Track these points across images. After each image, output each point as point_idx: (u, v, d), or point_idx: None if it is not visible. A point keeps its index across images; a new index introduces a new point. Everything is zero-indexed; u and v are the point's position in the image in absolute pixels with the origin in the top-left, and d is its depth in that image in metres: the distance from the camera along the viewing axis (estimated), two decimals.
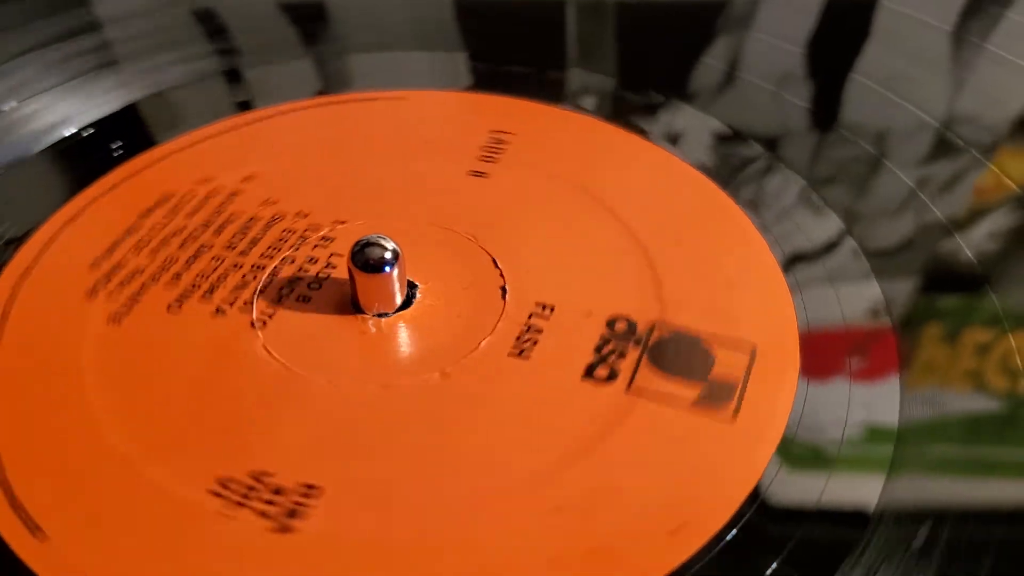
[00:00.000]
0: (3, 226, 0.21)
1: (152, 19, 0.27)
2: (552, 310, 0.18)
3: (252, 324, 0.18)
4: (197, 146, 0.23)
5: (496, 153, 0.22)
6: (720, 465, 0.15)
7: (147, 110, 0.24)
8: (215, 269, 0.19)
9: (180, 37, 0.27)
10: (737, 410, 0.16)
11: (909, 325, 0.18)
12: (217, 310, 0.18)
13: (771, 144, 0.23)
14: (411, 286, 0.19)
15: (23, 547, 0.14)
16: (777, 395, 0.16)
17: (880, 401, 0.16)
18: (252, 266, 0.19)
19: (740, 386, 0.16)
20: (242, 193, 0.21)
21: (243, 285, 0.19)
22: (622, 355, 0.17)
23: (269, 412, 0.16)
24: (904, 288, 0.19)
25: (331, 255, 0.19)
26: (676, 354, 0.17)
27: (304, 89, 0.25)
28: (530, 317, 0.18)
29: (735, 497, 0.15)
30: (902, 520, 0.15)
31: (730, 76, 0.26)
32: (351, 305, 0.18)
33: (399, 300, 0.18)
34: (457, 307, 0.18)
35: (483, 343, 0.17)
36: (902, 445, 0.16)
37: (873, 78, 0.26)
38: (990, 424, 0.16)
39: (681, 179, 0.21)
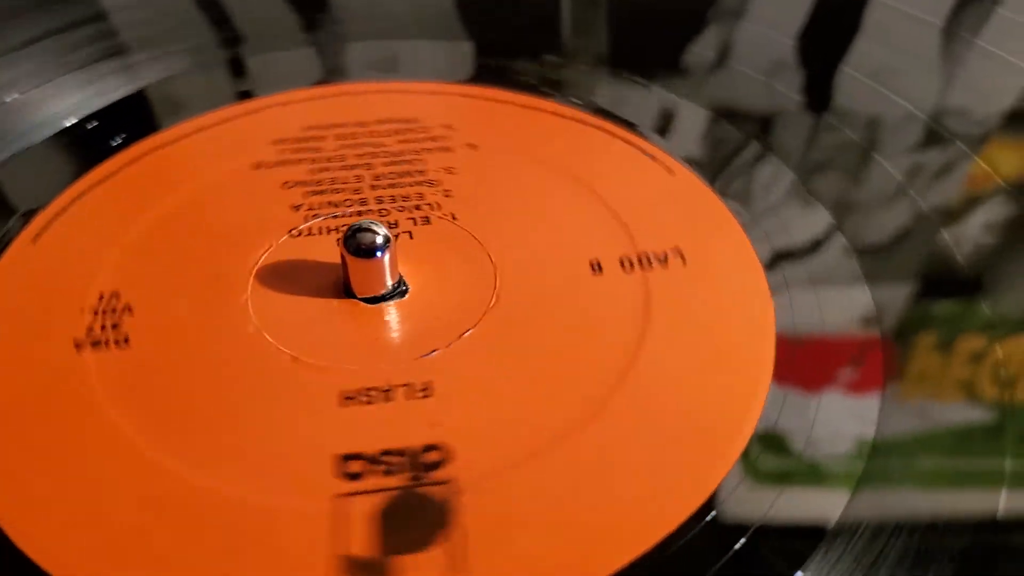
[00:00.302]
0: (18, 203, 0.21)
1: (154, 8, 0.28)
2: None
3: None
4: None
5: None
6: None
7: (151, 97, 0.25)
8: None
9: (183, 26, 0.27)
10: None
11: (899, 335, 0.18)
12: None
13: (761, 132, 0.24)
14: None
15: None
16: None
17: (857, 413, 0.17)
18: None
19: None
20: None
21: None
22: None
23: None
24: (893, 292, 0.19)
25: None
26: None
27: (305, 78, 0.25)
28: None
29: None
30: (860, 535, 0.15)
31: (720, 64, 0.26)
32: (342, 290, 0.19)
33: (390, 284, 0.19)
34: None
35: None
36: (876, 458, 0.16)
37: (863, 70, 0.26)
38: (972, 435, 0.17)
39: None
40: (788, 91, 0.25)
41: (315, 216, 0.21)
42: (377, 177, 0.22)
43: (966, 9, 0.28)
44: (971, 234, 0.21)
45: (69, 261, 0.19)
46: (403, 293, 0.19)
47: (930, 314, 0.19)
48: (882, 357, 0.18)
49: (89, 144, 0.23)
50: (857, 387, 0.17)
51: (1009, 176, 0.23)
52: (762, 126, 0.24)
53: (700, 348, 0.18)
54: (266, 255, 0.20)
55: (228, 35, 0.27)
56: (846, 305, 0.19)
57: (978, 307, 0.19)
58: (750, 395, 0.17)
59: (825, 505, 0.15)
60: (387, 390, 0.17)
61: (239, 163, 0.22)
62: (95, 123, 0.24)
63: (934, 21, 0.28)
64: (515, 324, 0.18)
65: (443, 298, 0.19)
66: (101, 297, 0.19)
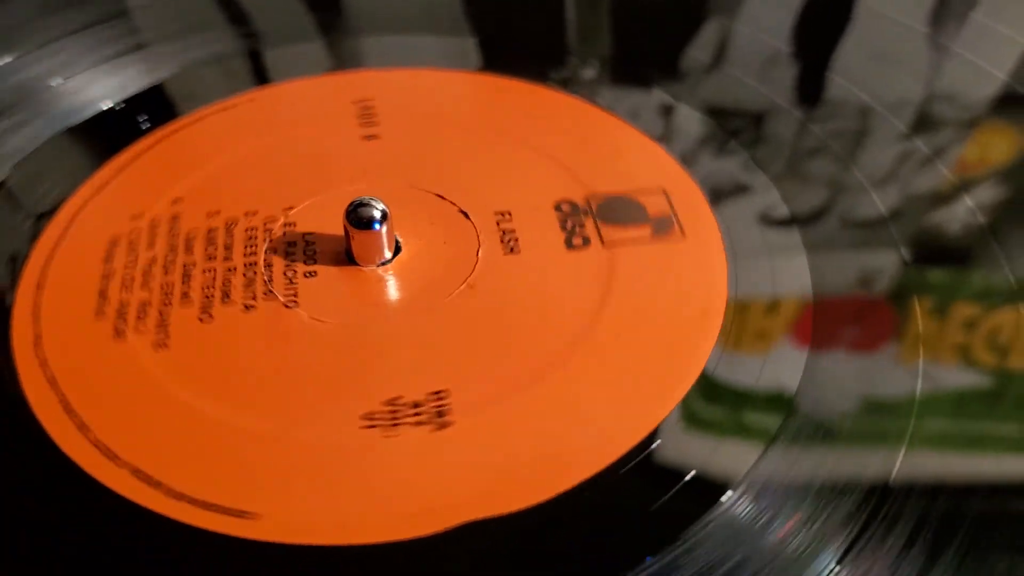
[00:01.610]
0: (49, 186, 0.23)
1: (176, 4, 0.30)
2: (510, 213, 0.22)
3: (286, 306, 0.20)
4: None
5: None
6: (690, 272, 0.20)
7: (171, 88, 0.27)
8: (212, 280, 0.21)
9: (202, 21, 0.29)
10: (682, 230, 0.21)
11: (896, 297, 0.20)
12: (246, 307, 0.20)
13: (757, 121, 0.25)
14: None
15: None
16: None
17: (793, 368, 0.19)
18: (245, 264, 0.21)
19: (673, 216, 0.21)
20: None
21: (250, 283, 0.21)
22: (582, 225, 0.21)
23: (352, 357, 0.19)
24: (889, 259, 0.21)
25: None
26: (618, 210, 0.22)
27: (316, 69, 0.27)
28: (498, 223, 0.21)
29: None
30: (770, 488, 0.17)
31: (718, 58, 0.28)
32: (346, 257, 0.21)
33: (388, 254, 0.21)
34: (438, 243, 0.21)
35: (479, 252, 0.21)
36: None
37: (856, 56, 0.28)
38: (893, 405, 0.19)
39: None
40: (782, 79, 0.27)
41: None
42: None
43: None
44: (960, 215, 0.22)
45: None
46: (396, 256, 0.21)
47: (869, 274, 0.21)
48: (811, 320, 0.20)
49: (120, 125, 0.25)
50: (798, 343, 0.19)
51: (998, 160, 0.25)
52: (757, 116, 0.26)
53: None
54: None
55: (244, 30, 0.29)
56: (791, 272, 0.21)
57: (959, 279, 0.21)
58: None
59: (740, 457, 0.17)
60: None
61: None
62: (122, 105, 0.26)
63: (923, 9, 0.29)
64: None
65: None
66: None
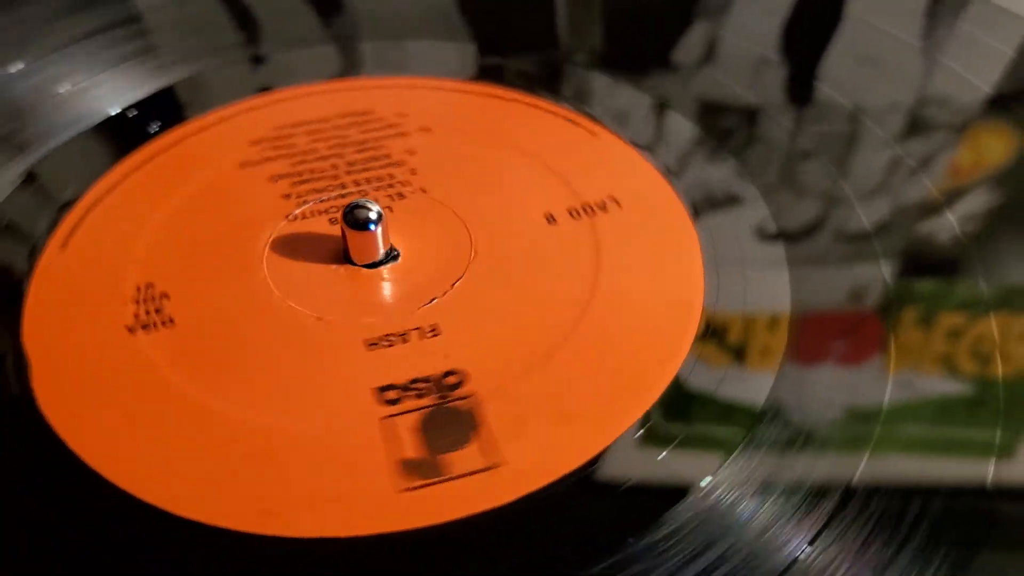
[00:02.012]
0: (64, 187, 0.24)
1: (184, 9, 0.31)
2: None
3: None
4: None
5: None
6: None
7: (181, 91, 0.28)
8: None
9: (210, 25, 0.30)
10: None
11: (887, 310, 0.21)
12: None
13: (744, 125, 0.26)
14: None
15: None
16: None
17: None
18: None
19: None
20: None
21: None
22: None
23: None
24: (879, 272, 0.22)
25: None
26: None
27: (322, 73, 0.28)
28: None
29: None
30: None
31: (709, 57, 0.29)
32: (342, 257, 0.22)
33: (382, 252, 0.22)
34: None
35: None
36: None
37: (847, 60, 0.28)
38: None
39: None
40: (773, 80, 0.28)
41: (304, 202, 0.24)
42: (350, 163, 0.25)
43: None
44: (952, 221, 0.23)
45: (104, 253, 0.23)
46: (395, 258, 0.22)
47: (854, 287, 0.22)
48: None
49: (128, 131, 0.26)
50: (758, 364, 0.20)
51: (992, 162, 0.25)
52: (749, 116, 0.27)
53: (642, 277, 0.21)
54: (273, 234, 0.23)
55: (251, 35, 0.30)
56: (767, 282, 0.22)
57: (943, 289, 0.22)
58: (683, 321, 0.20)
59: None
60: (403, 334, 0.20)
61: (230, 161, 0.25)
62: (135, 112, 0.27)
63: (915, 10, 0.30)
64: (494, 271, 0.22)
65: (430, 258, 0.22)
66: (138, 289, 0.21)
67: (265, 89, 0.28)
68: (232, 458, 0.18)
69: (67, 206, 0.24)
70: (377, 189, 0.24)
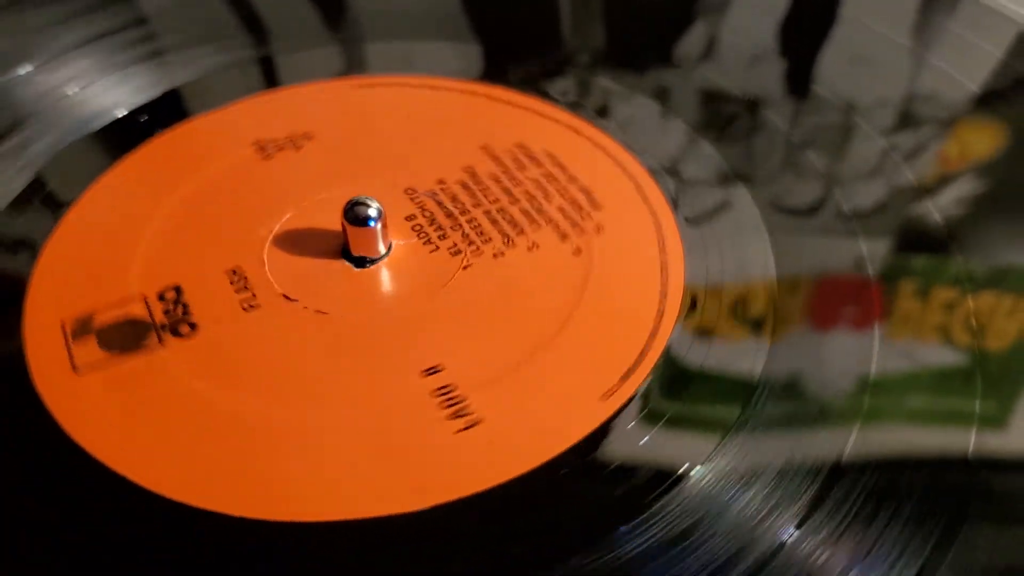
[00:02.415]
0: (71, 186, 0.25)
1: (190, 12, 0.32)
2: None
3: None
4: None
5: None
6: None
7: (186, 93, 0.29)
8: None
9: (215, 28, 0.31)
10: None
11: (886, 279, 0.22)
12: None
13: (751, 112, 0.27)
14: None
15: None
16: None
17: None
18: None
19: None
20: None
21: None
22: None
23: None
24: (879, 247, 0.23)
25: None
26: None
27: (327, 73, 0.29)
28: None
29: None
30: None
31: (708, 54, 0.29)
32: (341, 253, 0.22)
33: (382, 250, 0.22)
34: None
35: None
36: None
37: (841, 56, 0.29)
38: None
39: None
40: (771, 75, 0.28)
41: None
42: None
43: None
44: (942, 205, 0.24)
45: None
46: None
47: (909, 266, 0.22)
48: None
49: (133, 131, 0.27)
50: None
51: (979, 155, 0.26)
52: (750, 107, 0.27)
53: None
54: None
55: (256, 36, 0.31)
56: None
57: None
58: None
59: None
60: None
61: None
62: (145, 117, 0.27)
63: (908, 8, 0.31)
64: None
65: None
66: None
67: (269, 87, 0.28)
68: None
69: (71, 203, 0.24)
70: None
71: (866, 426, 0.19)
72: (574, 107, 0.27)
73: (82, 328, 0.21)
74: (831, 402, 0.19)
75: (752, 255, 0.23)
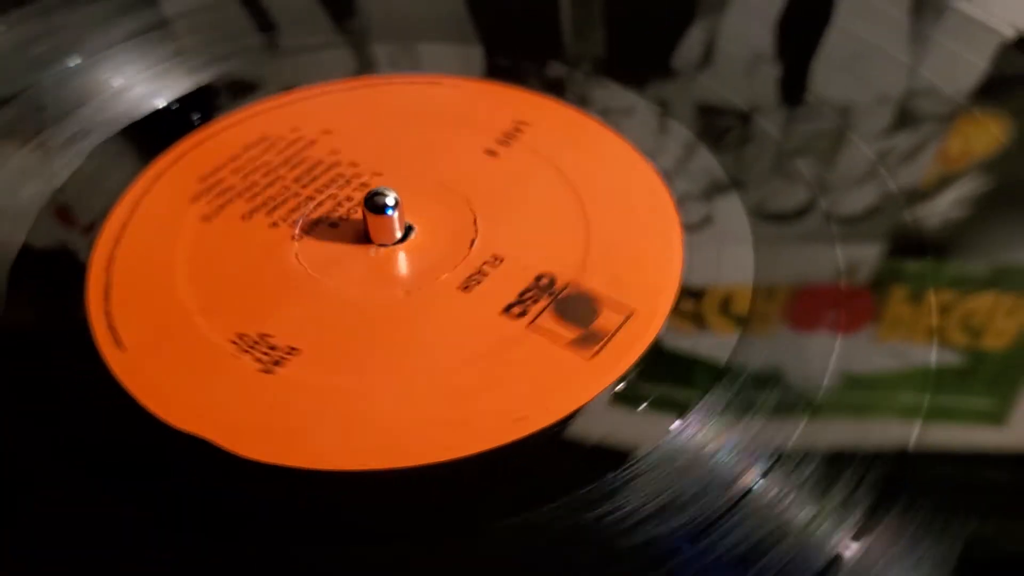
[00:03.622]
0: (119, 170, 0.28)
1: (212, 15, 0.34)
2: (501, 261, 0.25)
3: (292, 238, 0.25)
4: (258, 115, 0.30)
5: (509, 139, 0.29)
6: (569, 385, 0.21)
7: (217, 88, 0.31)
8: (282, 196, 0.27)
9: (236, 29, 0.33)
10: (596, 354, 0.22)
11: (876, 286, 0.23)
12: (273, 224, 0.26)
13: (744, 119, 0.29)
14: (409, 227, 0.25)
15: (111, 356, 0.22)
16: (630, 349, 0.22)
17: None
18: (306, 197, 0.26)
19: (607, 337, 0.23)
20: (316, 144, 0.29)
21: (296, 209, 0.26)
22: (536, 301, 0.23)
23: (284, 297, 0.24)
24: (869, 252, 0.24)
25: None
26: (574, 307, 0.23)
27: (342, 73, 0.31)
28: (483, 264, 0.24)
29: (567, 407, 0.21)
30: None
31: (707, 58, 0.31)
32: (364, 237, 0.25)
33: (398, 235, 0.25)
34: (437, 247, 0.25)
35: (443, 277, 0.24)
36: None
37: (838, 55, 0.31)
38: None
39: (635, 170, 0.28)
40: (768, 78, 0.30)
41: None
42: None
43: None
44: (941, 207, 0.25)
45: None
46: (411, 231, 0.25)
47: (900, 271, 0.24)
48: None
49: (174, 121, 0.29)
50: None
51: (982, 149, 0.27)
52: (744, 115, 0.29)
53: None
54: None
55: (271, 36, 0.33)
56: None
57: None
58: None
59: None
60: (479, 271, 0.24)
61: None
62: (177, 106, 0.30)
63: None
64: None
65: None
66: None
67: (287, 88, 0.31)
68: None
69: (122, 189, 0.27)
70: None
71: (848, 418, 0.20)
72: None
73: None
74: (811, 394, 0.21)
75: (741, 259, 0.24)
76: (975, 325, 0.22)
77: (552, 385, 0.21)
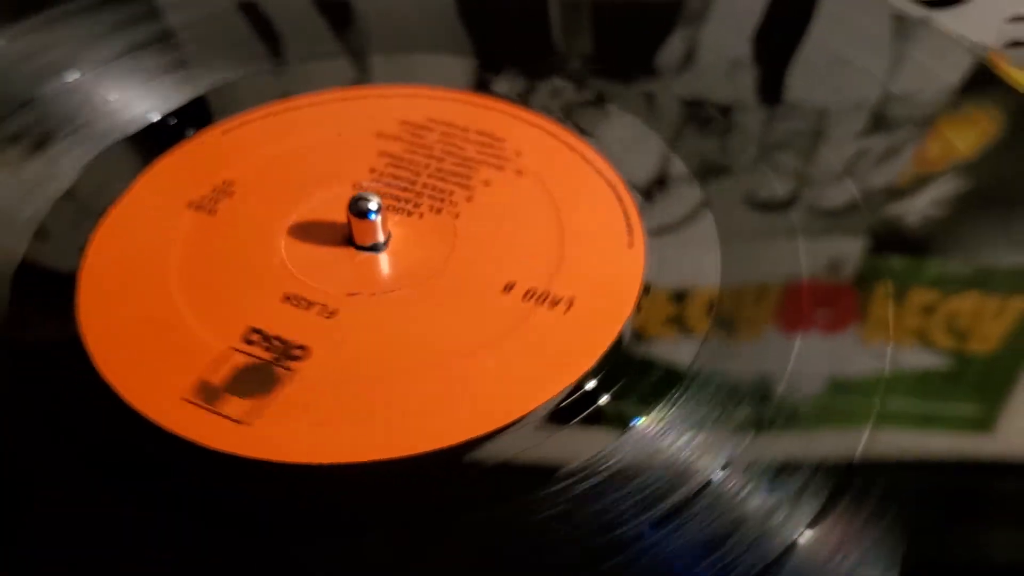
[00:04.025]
0: (115, 181, 0.29)
1: (212, 27, 0.35)
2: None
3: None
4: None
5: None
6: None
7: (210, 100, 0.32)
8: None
9: (234, 41, 0.35)
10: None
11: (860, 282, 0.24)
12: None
13: (725, 118, 0.29)
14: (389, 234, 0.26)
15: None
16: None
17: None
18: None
19: None
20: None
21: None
22: None
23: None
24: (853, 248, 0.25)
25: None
26: None
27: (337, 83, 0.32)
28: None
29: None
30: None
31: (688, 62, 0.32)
32: (347, 241, 0.26)
33: (381, 238, 0.26)
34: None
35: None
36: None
37: (817, 59, 0.31)
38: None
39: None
40: (747, 82, 0.31)
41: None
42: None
43: None
44: (920, 207, 0.26)
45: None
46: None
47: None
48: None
49: (167, 133, 0.30)
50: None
51: (965, 150, 0.27)
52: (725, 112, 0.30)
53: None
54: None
55: (272, 47, 0.34)
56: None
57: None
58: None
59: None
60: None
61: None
62: (175, 120, 0.31)
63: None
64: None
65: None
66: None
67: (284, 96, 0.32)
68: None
69: (114, 199, 0.28)
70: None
71: (834, 426, 0.20)
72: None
73: None
74: (795, 401, 0.21)
75: (723, 258, 0.25)
76: (959, 327, 0.23)
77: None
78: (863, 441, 0.20)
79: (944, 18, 0.34)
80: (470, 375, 0.23)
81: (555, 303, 0.24)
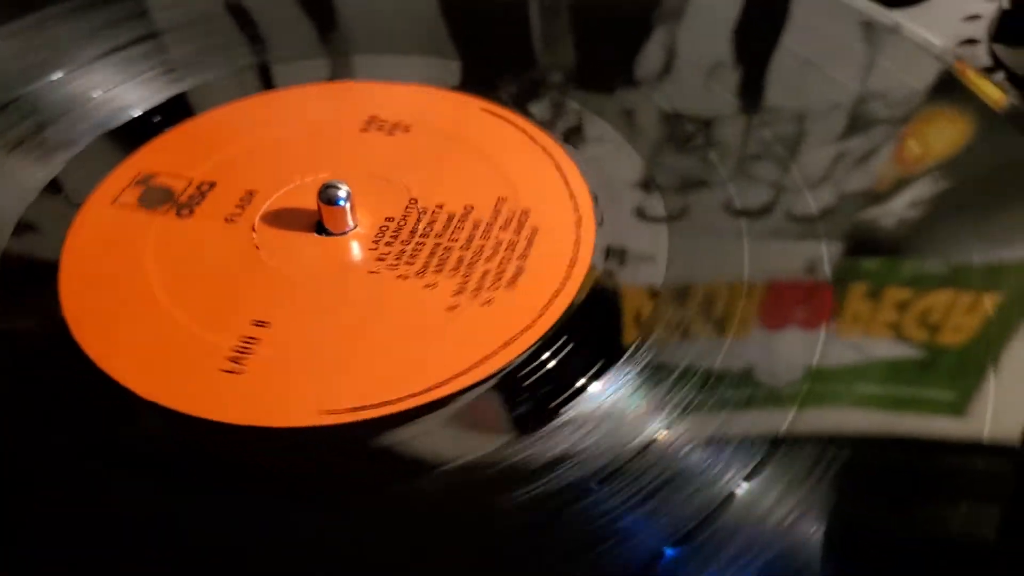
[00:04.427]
0: (96, 173, 0.30)
1: (198, 29, 0.36)
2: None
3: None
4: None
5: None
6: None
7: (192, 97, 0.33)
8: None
9: (220, 41, 0.36)
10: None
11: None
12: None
13: (705, 125, 0.30)
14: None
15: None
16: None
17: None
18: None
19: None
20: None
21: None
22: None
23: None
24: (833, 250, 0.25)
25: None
26: None
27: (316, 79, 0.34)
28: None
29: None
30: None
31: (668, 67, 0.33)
32: (316, 227, 0.27)
33: (350, 225, 0.27)
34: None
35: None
36: None
37: (792, 61, 0.32)
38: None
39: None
40: (726, 85, 0.33)
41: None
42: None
43: None
44: (896, 208, 0.27)
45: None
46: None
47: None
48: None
49: (145, 127, 0.32)
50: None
51: (942, 149, 0.28)
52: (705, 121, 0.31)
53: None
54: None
55: (256, 48, 0.35)
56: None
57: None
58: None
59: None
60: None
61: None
62: (158, 118, 0.32)
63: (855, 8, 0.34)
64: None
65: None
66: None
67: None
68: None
69: (94, 187, 0.29)
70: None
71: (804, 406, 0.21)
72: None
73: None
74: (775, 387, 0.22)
75: (714, 259, 0.26)
76: (932, 321, 0.23)
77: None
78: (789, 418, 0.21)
79: (902, 17, 0.35)
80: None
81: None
